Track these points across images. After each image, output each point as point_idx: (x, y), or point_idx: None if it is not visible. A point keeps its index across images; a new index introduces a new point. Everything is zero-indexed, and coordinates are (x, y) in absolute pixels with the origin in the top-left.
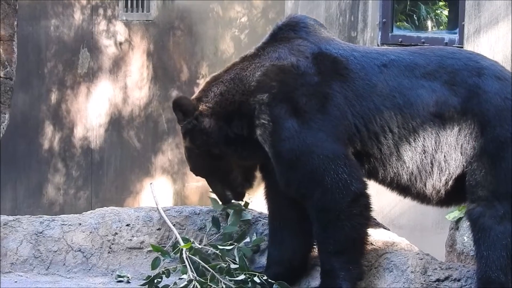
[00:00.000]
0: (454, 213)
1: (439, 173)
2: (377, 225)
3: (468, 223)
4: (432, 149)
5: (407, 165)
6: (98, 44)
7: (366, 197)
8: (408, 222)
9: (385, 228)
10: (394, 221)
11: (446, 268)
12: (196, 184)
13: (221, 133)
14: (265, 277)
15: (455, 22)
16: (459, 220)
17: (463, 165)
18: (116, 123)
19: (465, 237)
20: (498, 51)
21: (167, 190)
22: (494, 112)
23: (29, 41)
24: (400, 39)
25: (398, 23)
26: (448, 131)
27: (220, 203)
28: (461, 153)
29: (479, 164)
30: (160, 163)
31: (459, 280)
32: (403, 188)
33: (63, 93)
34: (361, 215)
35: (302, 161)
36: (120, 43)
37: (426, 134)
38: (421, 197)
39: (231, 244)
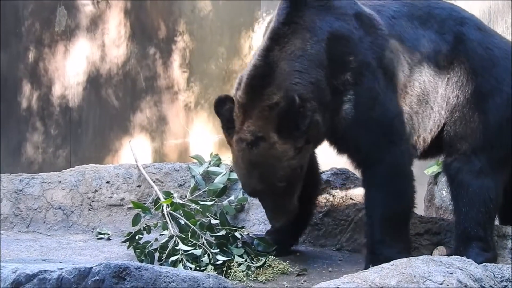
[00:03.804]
0: (432, 168)
1: (432, 125)
2: (357, 180)
3: (446, 178)
4: (432, 101)
5: (413, 120)
6: (75, 2)
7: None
8: None
9: None
10: None
11: (425, 221)
12: (175, 142)
13: (322, 125)
14: (245, 232)
15: None
16: (437, 175)
17: (446, 116)
18: (94, 81)
19: (443, 191)
20: (475, 8)
21: (146, 148)
22: (478, 60)
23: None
24: None
25: None
26: (442, 81)
27: (277, 224)
28: (446, 103)
29: (460, 115)
30: (138, 121)
31: (438, 234)
32: None
33: (40, 52)
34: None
35: (380, 122)
36: (98, 1)
37: (430, 85)
38: None
39: (211, 200)
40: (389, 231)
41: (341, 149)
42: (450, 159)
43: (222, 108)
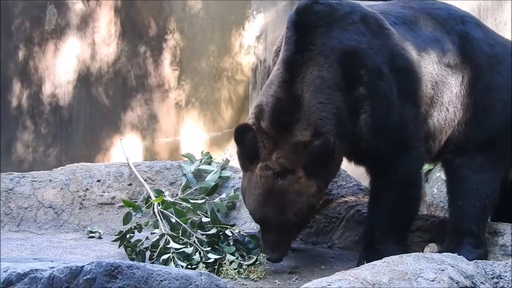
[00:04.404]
0: None
1: (448, 128)
2: (348, 177)
3: (445, 172)
4: (446, 101)
5: (428, 122)
6: (65, 0)
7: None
8: None
9: (356, 181)
10: (365, 174)
11: (417, 219)
12: (166, 140)
13: (342, 154)
14: (237, 230)
15: None
16: (428, 172)
17: (461, 115)
18: (85, 80)
19: (434, 188)
20: (465, 5)
21: (136, 146)
22: (484, 58)
23: None
24: None
25: None
26: (456, 80)
27: (271, 257)
28: (461, 102)
29: (471, 114)
30: (129, 119)
31: (430, 231)
32: None
33: (30, 50)
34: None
35: (396, 131)
36: (88, 0)
37: (444, 86)
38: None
39: (202, 198)
40: (391, 232)
41: (359, 161)
42: (452, 155)
43: (244, 137)
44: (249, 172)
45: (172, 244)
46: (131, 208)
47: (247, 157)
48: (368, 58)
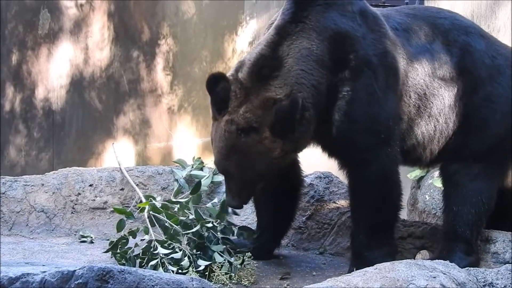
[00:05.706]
0: (415, 172)
1: (439, 137)
2: (340, 183)
3: (442, 179)
4: (437, 113)
5: (415, 132)
6: (59, 5)
7: None
8: None
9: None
10: None
11: (408, 225)
12: (158, 145)
13: (313, 126)
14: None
15: None
16: (420, 179)
17: (456, 126)
18: (78, 84)
19: (426, 195)
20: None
21: (129, 151)
22: (484, 70)
23: None
24: None
25: None
26: (450, 93)
27: (233, 206)
28: (456, 114)
29: (467, 124)
30: (121, 124)
31: (421, 238)
32: (401, 154)
33: (23, 54)
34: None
35: (374, 120)
36: (81, 4)
37: (434, 99)
38: (415, 162)
39: (187, 197)
40: (375, 234)
41: (332, 151)
42: (449, 162)
43: (216, 86)
44: (217, 123)
45: (160, 250)
46: (123, 215)
47: (216, 107)
48: (360, 46)
